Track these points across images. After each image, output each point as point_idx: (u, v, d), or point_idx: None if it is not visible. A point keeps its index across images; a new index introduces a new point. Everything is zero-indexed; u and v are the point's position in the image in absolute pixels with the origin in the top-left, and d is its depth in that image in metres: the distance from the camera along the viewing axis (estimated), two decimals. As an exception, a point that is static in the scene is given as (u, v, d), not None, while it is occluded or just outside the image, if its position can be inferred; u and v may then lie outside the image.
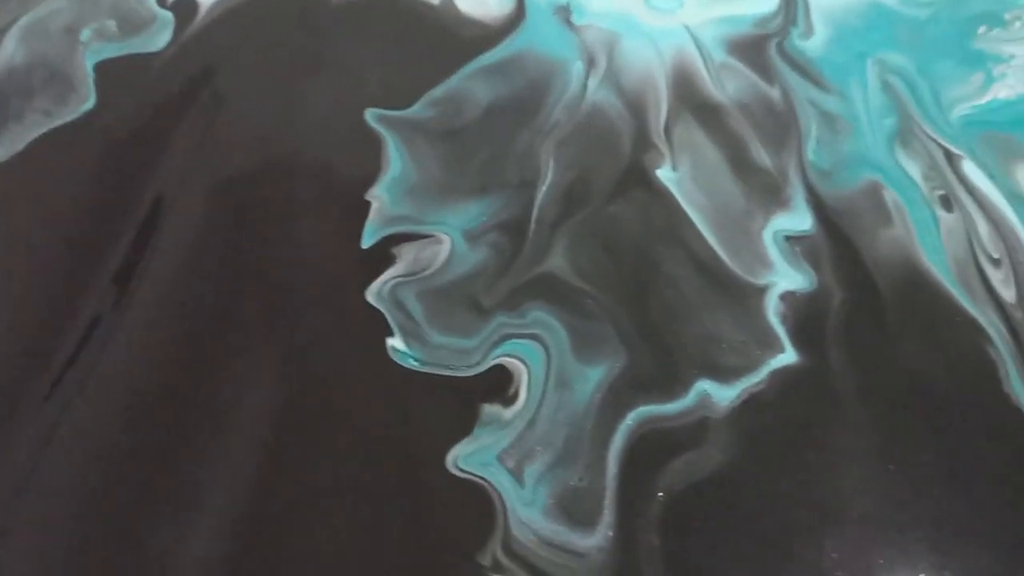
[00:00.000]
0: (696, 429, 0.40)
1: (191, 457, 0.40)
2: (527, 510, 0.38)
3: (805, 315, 0.43)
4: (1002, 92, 0.50)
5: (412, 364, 0.42)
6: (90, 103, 0.52)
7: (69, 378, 0.42)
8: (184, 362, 0.43)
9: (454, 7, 0.56)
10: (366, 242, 0.46)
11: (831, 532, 0.37)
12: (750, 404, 0.40)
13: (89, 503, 0.39)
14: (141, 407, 0.42)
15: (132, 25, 0.56)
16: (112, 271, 0.46)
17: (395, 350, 0.42)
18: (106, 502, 0.39)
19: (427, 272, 0.45)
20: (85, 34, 0.55)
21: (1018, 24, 0.53)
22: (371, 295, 0.44)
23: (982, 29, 0.53)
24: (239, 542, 0.38)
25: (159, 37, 0.55)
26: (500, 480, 0.38)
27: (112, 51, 0.55)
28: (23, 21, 0.57)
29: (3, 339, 0.44)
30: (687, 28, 0.54)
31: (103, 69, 0.54)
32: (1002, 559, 0.36)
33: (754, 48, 0.53)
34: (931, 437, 0.39)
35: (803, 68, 0.52)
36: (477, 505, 0.38)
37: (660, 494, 0.38)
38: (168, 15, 0.56)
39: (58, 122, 0.52)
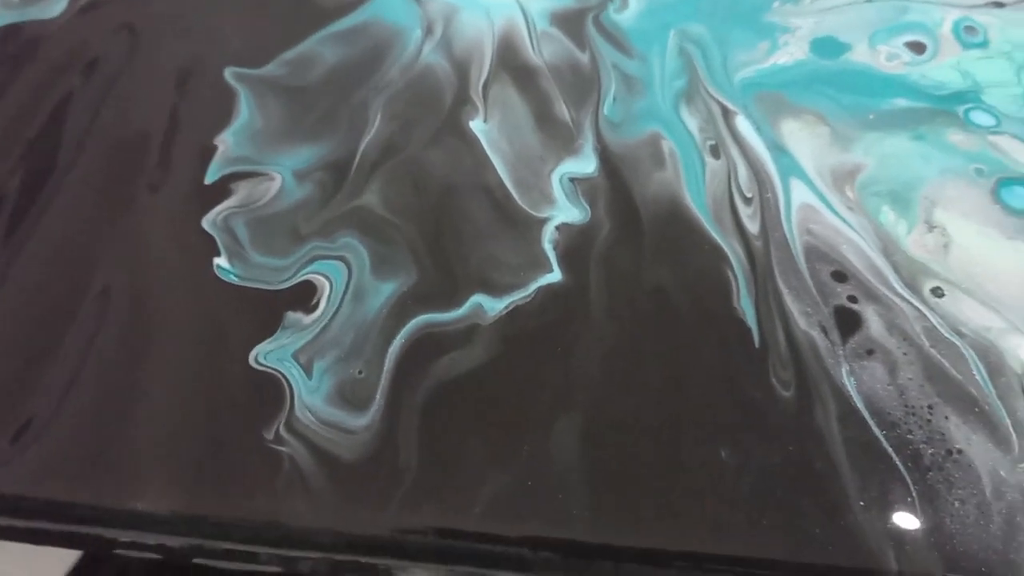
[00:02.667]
0: (465, 334, 0.47)
1: (57, 344, 0.47)
2: (311, 397, 0.45)
3: (574, 243, 0.50)
4: (782, 58, 0.57)
5: (232, 279, 0.49)
6: (-12, 64, 0.60)
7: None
8: (52, 271, 0.50)
9: (315, -21, 0.63)
10: (208, 179, 0.53)
11: (560, 416, 0.44)
12: (514, 314, 0.47)
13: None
14: (22, 316, 0.49)
15: (31, -7, 0.63)
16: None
17: (220, 267, 0.49)
18: None
19: (257, 204, 0.52)
20: (-11, 2, 0.63)
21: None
22: (206, 223, 0.51)
23: (777, 3, 0.60)
24: (89, 405, 0.45)
25: (55, 4, 0.62)
26: (291, 372, 0.45)
27: (11, 17, 0.62)
28: (-69, -10, 0.64)
29: None
30: (518, 2, 0.61)
31: (2, 35, 0.61)
32: (712, 449, 0.43)
33: (574, 20, 0.60)
34: (664, 343, 0.46)
35: (613, 37, 0.59)
36: (270, 393, 0.45)
37: (424, 383, 0.45)
38: (63, -17, 0.63)
39: (-41, 81, 0.59)
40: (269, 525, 0.42)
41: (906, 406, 0.43)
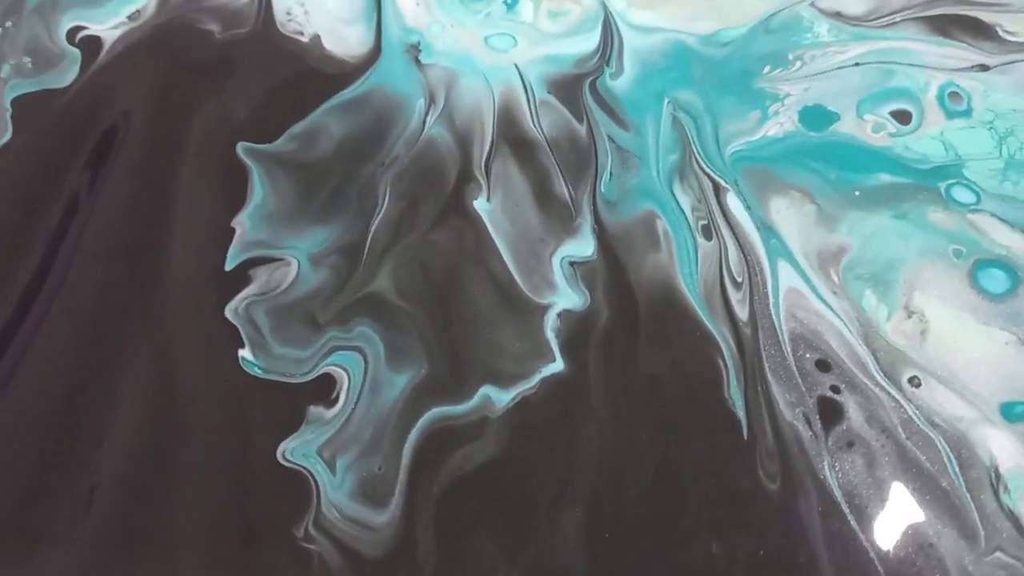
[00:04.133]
0: (476, 427, 0.50)
1: (82, 437, 0.51)
2: (336, 493, 0.49)
3: (576, 331, 0.53)
4: (772, 129, 0.59)
5: (257, 372, 0.52)
6: (7, 135, 0.62)
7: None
8: (77, 358, 0.54)
9: (320, 44, 0.65)
10: (228, 265, 0.56)
11: (567, 504, 0.48)
12: (522, 406, 0.51)
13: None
14: (44, 397, 0.53)
15: (45, 61, 0.65)
16: (23, 284, 0.56)
17: (244, 360, 0.53)
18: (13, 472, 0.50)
19: (275, 291, 0.55)
20: (5, 70, 0.64)
21: (799, 64, 0.62)
22: (229, 312, 0.54)
23: (766, 68, 0.62)
24: (117, 503, 0.49)
25: (68, 73, 0.64)
26: (317, 469, 0.49)
27: (27, 87, 0.64)
28: (-50, 58, 0.66)
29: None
30: (516, 66, 0.63)
31: (19, 104, 0.63)
32: (704, 542, 0.47)
33: (571, 87, 0.62)
34: (659, 434, 0.50)
35: (608, 106, 0.61)
36: (297, 489, 0.49)
37: (439, 479, 0.49)
38: (76, 52, 0.65)
39: (-19, 152, 0.61)
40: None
41: (883, 500, 0.47)
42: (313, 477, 0.49)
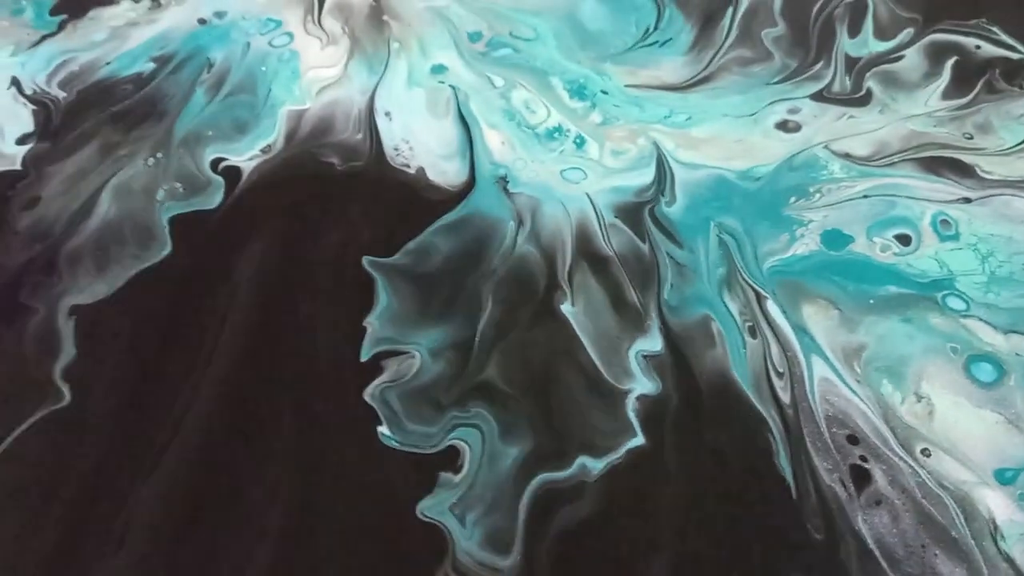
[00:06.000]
0: (576, 489, 0.62)
1: (239, 489, 0.62)
2: (467, 543, 0.60)
3: (652, 411, 0.66)
4: (800, 249, 0.73)
5: (394, 444, 0.64)
6: (167, 249, 0.75)
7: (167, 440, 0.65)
8: (232, 431, 0.65)
9: (425, 176, 0.78)
10: (363, 356, 0.68)
11: (653, 550, 0.60)
12: (611, 473, 0.63)
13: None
14: (201, 465, 0.64)
15: (194, 187, 0.78)
16: (185, 366, 0.68)
17: (383, 435, 0.65)
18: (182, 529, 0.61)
19: (404, 379, 0.67)
20: (160, 194, 0.77)
21: (818, 196, 0.76)
22: (367, 395, 0.67)
23: (792, 199, 0.76)
24: (276, 551, 0.60)
25: (214, 197, 0.77)
26: (450, 523, 0.61)
27: (180, 208, 0.77)
28: (113, 182, 0.78)
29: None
30: (588, 195, 0.77)
31: (175, 222, 0.76)
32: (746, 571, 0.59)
33: (634, 212, 0.76)
34: (722, 493, 0.62)
35: (665, 229, 0.75)
36: (435, 540, 0.61)
37: (550, 531, 0.61)
38: (219, 179, 0.78)
39: (145, 264, 0.74)
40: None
41: (906, 546, 0.59)
42: (448, 530, 0.61)
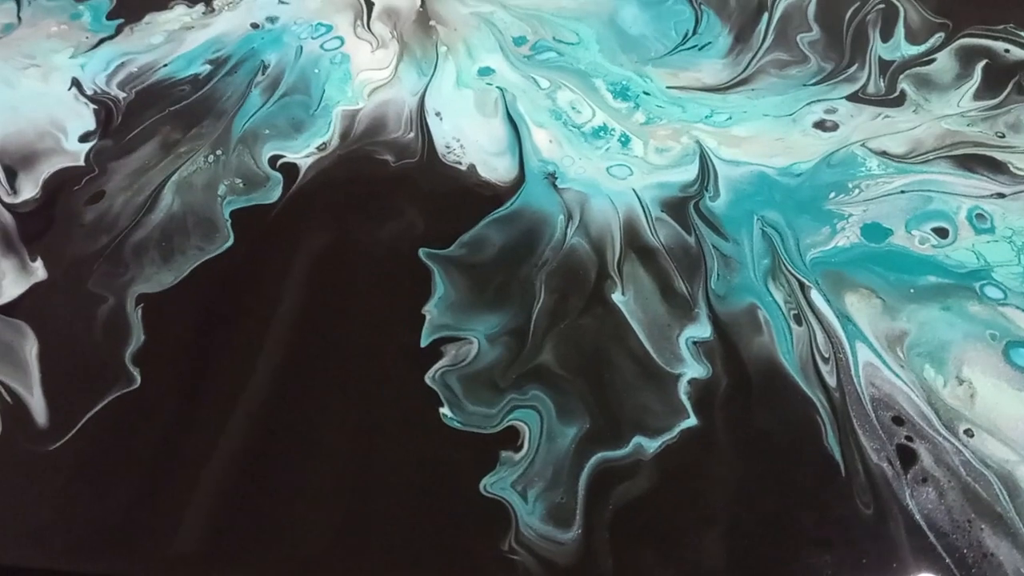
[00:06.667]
0: (632, 467, 0.65)
1: (309, 479, 0.65)
2: (529, 517, 0.63)
3: (703, 394, 0.68)
4: (841, 241, 0.76)
5: (456, 425, 0.67)
6: (229, 241, 0.77)
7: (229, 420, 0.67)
8: (293, 410, 0.68)
9: (476, 172, 0.81)
10: (423, 343, 0.71)
11: (705, 530, 0.62)
12: (666, 452, 0.65)
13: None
14: (262, 444, 0.67)
15: (253, 183, 0.81)
16: (247, 351, 0.71)
17: (445, 415, 0.67)
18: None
19: (464, 363, 0.70)
20: (221, 189, 0.80)
21: (857, 191, 0.79)
22: (428, 379, 0.69)
23: (832, 195, 0.79)
24: (338, 530, 0.63)
25: (273, 191, 0.80)
26: (513, 499, 0.64)
27: (241, 202, 0.80)
28: (175, 178, 0.81)
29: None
30: (634, 190, 0.80)
31: (236, 216, 0.79)
32: (817, 553, 0.61)
33: (679, 207, 0.79)
34: (773, 471, 0.65)
35: (710, 222, 0.77)
36: (499, 515, 0.63)
37: (609, 506, 0.63)
38: (278, 175, 0.81)
39: (208, 255, 0.77)
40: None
41: (953, 521, 0.62)
42: (511, 505, 0.63)
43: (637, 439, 0.65)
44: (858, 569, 0.60)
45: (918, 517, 0.62)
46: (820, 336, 0.70)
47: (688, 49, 0.90)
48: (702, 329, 0.71)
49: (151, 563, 0.63)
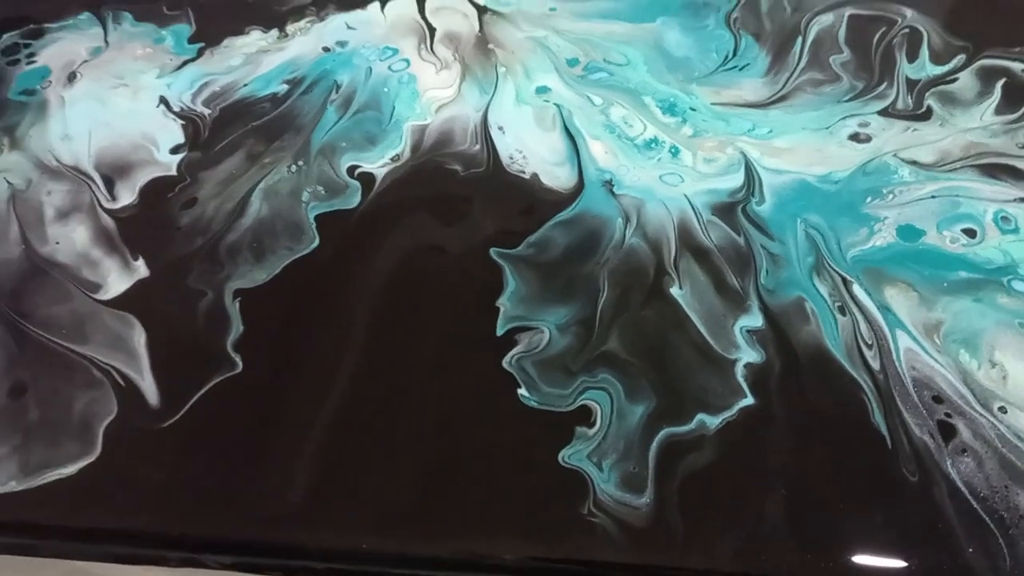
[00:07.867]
0: (697, 441, 0.71)
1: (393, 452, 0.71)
2: (605, 485, 0.69)
3: (758, 377, 0.74)
4: (879, 241, 0.83)
5: (533, 404, 0.73)
6: (315, 242, 0.84)
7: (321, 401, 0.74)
8: (377, 393, 0.75)
9: (539, 180, 0.88)
10: (499, 332, 0.78)
11: (765, 496, 0.68)
12: (727, 428, 0.72)
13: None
14: (350, 423, 0.73)
15: (334, 190, 0.88)
16: (334, 340, 0.78)
17: (522, 396, 0.74)
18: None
19: (537, 350, 0.76)
20: (305, 195, 0.87)
21: (891, 196, 0.86)
22: (505, 364, 0.76)
23: (868, 199, 0.86)
24: (427, 494, 0.69)
25: (353, 198, 0.87)
26: (589, 469, 0.70)
27: (324, 208, 0.87)
28: (262, 185, 0.88)
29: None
30: (686, 196, 0.86)
31: (320, 219, 0.86)
32: (870, 515, 0.68)
33: (728, 211, 0.85)
34: (826, 444, 0.71)
35: (758, 224, 0.84)
36: (577, 483, 0.69)
37: (677, 475, 0.69)
38: (356, 183, 0.88)
39: (297, 255, 0.83)
40: (590, 563, 0.66)
41: (991, 486, 0.68)
42: (587, 474, 0.69)
43: (700, 416, 0.72)
44: (907, 528, 0.66)
45: (959, 483, 0.68)
46: (863, 325, 0.77)
47: (729, 69, 0.97)
48: (755, 319, 0.77)
49: (255, 523, 0.69)
